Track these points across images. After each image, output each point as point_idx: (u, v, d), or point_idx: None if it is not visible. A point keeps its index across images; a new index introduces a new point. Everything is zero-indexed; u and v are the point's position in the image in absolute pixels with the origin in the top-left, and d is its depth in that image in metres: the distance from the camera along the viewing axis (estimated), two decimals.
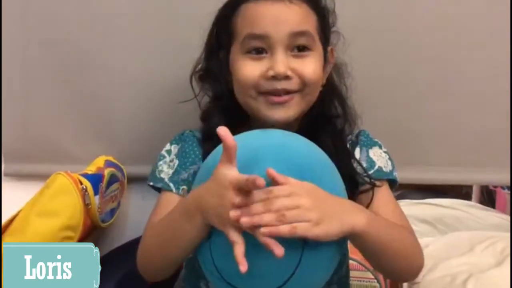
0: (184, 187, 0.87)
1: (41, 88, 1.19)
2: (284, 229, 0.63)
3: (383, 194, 0.86)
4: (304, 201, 0.65)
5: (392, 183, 0.90)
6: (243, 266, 0.63)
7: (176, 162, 0.88)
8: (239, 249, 0.64)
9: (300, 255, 0.67)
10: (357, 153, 0.90)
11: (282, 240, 0.63)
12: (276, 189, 0.65)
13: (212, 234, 0.71)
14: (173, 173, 0.88)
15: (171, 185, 0.87)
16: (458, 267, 1.10)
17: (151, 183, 0.89)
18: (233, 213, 0.64)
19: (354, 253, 1.16)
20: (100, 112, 1.20)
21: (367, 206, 0.84)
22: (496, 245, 1.17)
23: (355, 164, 0.88)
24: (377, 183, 0.86)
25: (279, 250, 0.62)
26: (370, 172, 0.87)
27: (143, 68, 1.17)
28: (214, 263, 0.70)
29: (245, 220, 0.63)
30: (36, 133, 1.21)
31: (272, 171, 0.66)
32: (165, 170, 0.88)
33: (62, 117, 1.21)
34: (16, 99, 1.19)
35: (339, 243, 0.71)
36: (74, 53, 1.17)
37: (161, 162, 0.90)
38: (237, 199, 0.65)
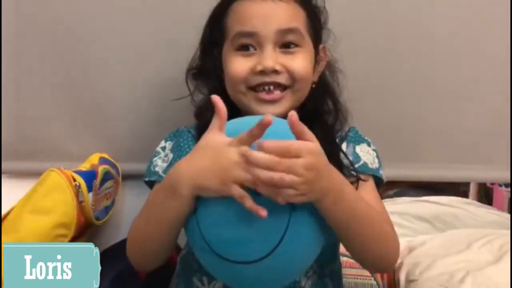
0: None
1: (36, 85, 1.19)
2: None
3: (366, 189, 0.86)
4: (302, 174, 0.65)
5: (378, 181, 0.89)
6: (263, 211, 0.65)
7: (171, 155, 0.89)
8: (250, 201, 0.66)
9: (287, 221, 0.68)
10: (343, 147, 0.90)
11: (270, 206, 0.65)
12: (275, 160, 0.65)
13: (197, 207, 0.71)
14: (167, 166, 0.88)
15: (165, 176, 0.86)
16: (455, 265, 1.09)
17: (146, 179, 0.89)
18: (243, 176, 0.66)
19: None
20: (95, 109, 1.20)
21: None
22: (494, 242, 1.17)
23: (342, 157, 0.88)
24: (362, 176, 0.86)
25: (263, 211, 0.65)
26: (355, 166, 0.87)
27: (138, 66, 1.17)
28: (203, 236, 0.70)
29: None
30: (31, 131, 1.21)
31: (295, 114, 0.67)
32: (160, 164, 0.88)
33: (57, 115, 1.20)
34: (11, 97, 1.18)
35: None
36: (69, 50, 1.17)
37: (155, 158, 0.90)
38: (245, 154, 0.66)
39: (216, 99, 0.73)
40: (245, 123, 0.71)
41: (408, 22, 1.14)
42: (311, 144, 0.68)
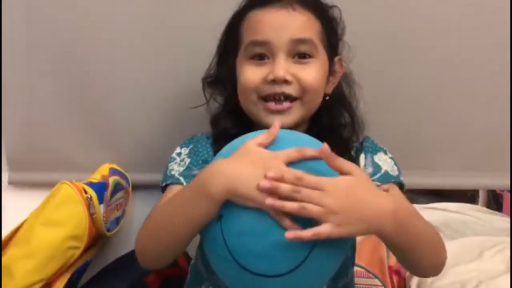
0: None
1: (45, 96, 1.19)
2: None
3: (394, 196, 0.85)
4: (329, 201, 0.65)
5: (400, 187, 0.89)
6: (296, 226, 0.66)
7: (188, 160, 0.88)
8: (286, 218, 0.66)
9: (313, 242, 0.67)
10: (362, 159, 0.89)
11: (299, 222, 0.66)
12: (307, 178, 0.66)
13: (223, 214, 0.70)
14: (184, 170, 0.87)
15: (181, 178, 0.86)
16: (467, 274, 1.09)
17: (163, 184, 0.88)
18: (263, 183, 0.66)
19: (360, 260, 1.16)
20: (105, 119, 1.20)
21: None
22: (505, 251, 1.16)
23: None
24: (384, 186, 0.85)
25: (299, 231, 0.65)
26: (377, 175, 0.86)
27: (148, 76, 1.17)
28: (226, 245, 0.69)
29: (269, 202, 0.65)
30: (41, 141, 1.21)
31: (326, 148, 0.68)
32: (176, 168, 0.88)
33: (66, 125, 1.20)
34: (20, 107, 1.19)
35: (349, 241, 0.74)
36: (77, 60, 1.17)
37: (171, 163, 0.90)
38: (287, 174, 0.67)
39: (277, 123, 0.74)
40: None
41: (421, 32, 1.15)
42: (341, 179, 0.68)
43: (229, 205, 0.69)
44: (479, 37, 1.16)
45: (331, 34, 0.91)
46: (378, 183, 0.84)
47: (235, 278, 0.72)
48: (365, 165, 0.88)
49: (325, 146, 0.69)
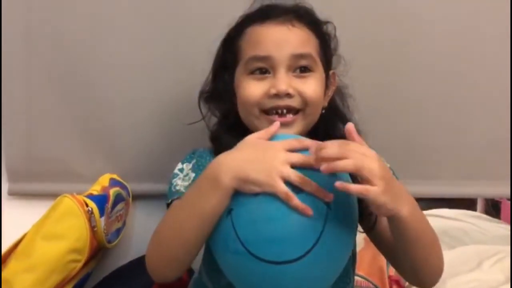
0: None
1: (46, 106, 1.18)
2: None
3: None
4: (376, 166, 0.67)
5: None
6: (308, 210, 0.68)
7: (192, 175, 0.88)
8: (295, 199, 0.68)
9: (324, 220, 0.69)
10: None
11: (308, 204, 0.68)
12: (353, 144, 0.68)
13: (232, 206, 0.71)
14: (189, 185, 0.87)
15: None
16: (466, 284, 1.09)
17: (169, 200, 0.87)
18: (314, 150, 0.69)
19: (360, 269, 1.16)
20: (105, 130, 1.20)
21: (377, 217, 0.86)
22: (504, 260, 1.16)
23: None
24: None
25: (309, 210, 0.68)
26: None
27: (149, 87, 1.17)
28: (238, 236, 0.70)
29: (325, 167, 0.66)
30: (41, 152, 1.20)
31: (352, 127, 0.70)
32: (180, 183, 0.88)
33: (66, 136, 1.20)
34: (21, 118, 1.18)
35: (355, 225, 0.75)
36: (79, 71, 1.17)
37: (175, 179, 0.89)
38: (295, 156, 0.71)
39: (277, 125, 0.78)
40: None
41: (421, 41, 1.15)
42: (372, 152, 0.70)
43: (238, 197, 0.71)
44: (478, 46, 1.17)
45: (327, 49, 0.93)
46: None
47: (250, 271, 0.72)
48: None
49: (351, 124, 0.71)
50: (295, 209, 0.68)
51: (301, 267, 0.69)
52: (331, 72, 0.93)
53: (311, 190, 0.69)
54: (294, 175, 0.70)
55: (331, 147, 0.67)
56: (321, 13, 0.93)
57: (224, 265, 0.76)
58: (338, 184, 0.65)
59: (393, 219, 0.71)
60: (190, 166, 0.90)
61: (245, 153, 0.74)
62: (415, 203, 0.74)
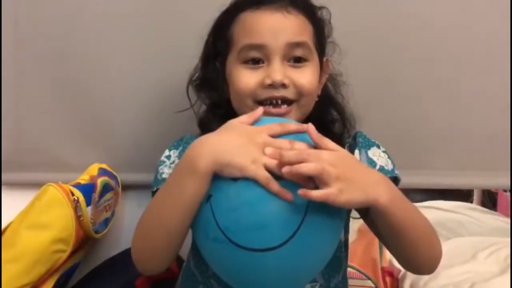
0: None
1: (35, 96, 1.17)
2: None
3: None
4: (331, 169, 0.67)
5: (395, 181, 0.88)
6: (289, 194, 0.67)
7: (178, 162, 0.86)
8: (276, 184, 0.67)
9: (306, 206, 0.68)
10: (356, 155, 0.88)
11: (289, 190, 0.67)
12: (307, 152, 0.68)
13: (212, 193, 0.70)
14: None
15: None
16: (461, 276, 1.08)
17: (154, 188, 0.86)
18: (268, 151, 0.69)
19: (353, 261, 1.15)
20: (95, 119, 1.18)
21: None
22: (500, 252, 1.15)
23: None
24: None
25: (289, 194, 0.67)
26: None
27: (138, 76, 1.16)
28: (218, 224, 0.69)
29: (286, 170, 0.66)
30: (30, 142, 1.19)
31: (312, 128, 0.71)
32: (167, 171, 0.86)
33: (56, 125, 1.19)
34: (10, 107, 1.17)
35: (341, 214, 0.73)
36: (68, 61, 1.16)
37: (161, 167, 0.88)
38: (277, 142, 0.70)
39: (259, 110, 0.77)
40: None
41: (416, 29, 1.13)
42: (335, 152, 0.70)
43: (218, 183, 0.70)
44: (474, 34, 1.15)
45: (321, 35, 0.90)
46: None
47: (232, 260, 0.70)
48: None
49: (311, 125, 0.71)
50: (275, 194, 0.67)
51: (283, 254, 0.67)
52: (325, 59, 0.91)
53: (290, 176, 0.67)
54: (274, 161, 0.68)
55: (291, 152, 0.68)
56: None
57: (205, 253, 0.75)
58: (300, 192, 0.65)
59: (373, 210, 0.70)
60: (177, 153, 0.89)
61: (226, 137, 0.72)
62: (397, 191, 0.73)
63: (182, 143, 0.90)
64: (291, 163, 0.67)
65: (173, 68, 1.10)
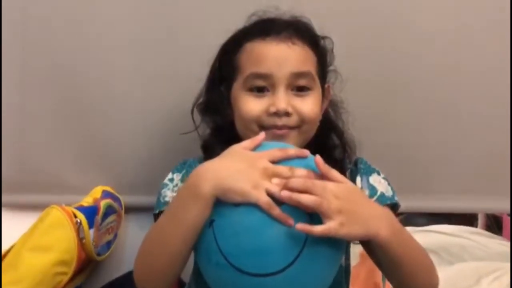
0: None
1: (40, 117, 1.18)
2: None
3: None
4: (335, 201, 0.68)
5: (395, 207, 0.90)
6: (290, 220, 0.68)
7: (181, 185, 0.87)
8: (277, 209, 0.68)
9: (306, 236, 0.68)
10: (358, 182, 0.90)
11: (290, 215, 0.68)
12: (312, 181, 0.70)
13: (214, 218, 0.71)
14: None
15: None
16: None
17: (156, 211, 0.87)
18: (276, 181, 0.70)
19: (355, 285, 1.14)
20: (98, 142, 1.19)
21: None
22: (503, 278, 1.14)
23: None
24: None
25: (290, 220, 0.68)
26: (373, 198, 0.87)
27: (142, 99, 1.17)
28: (220, 249, 0.70)
29: (285, 194, 0.68)
30: (34, 163, 1.20)
31: (320, 159, 0.72)
32: (169, 195, 0.88)
33: (60, 147, 1.19)
34: (14, 129, 1.18)
35: (342, 241, 0.74)
36: (72, 82, 1.16)
37: (164, 190, 0.90)
38: (277, 168, 0.72)
39: (261, 136, 0.79)
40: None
41: (417, 53, 1.15)
42: (340, 184, 0.72)
43: (220, 208, 0.70)
44: (477, 60, 1.16)
45: (324, 64, 0.94)
46: None
47: (232, 284, 0.71)
48: (361, 188, 0.89)
49: (318, 157, 0.72)
50: (277, 220, 0.68)
51: (285, 279, 0.68)
52: (326, 85, 0.94)
53: (290, 202, 0.68)
54: (275, 187, 0.69)
55: (298, 180, 0.69)
56: (318, 26, 0.93)
57: (207, 276, 0.76)
58: (299, 226, 0.66)
59: (373, 242, 0.72)
60: (180, 176, 0.90)
61: (228, 162, 0.73)
62: (397, 225, 0.75)
63: (185, 166, 0.92)
64: (295, 190, 0.68)
65: (177, 91, 1.12)
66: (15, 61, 1.16)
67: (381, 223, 0.71)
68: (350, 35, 1.11)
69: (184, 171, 0.91)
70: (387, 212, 0.77)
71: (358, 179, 0.90)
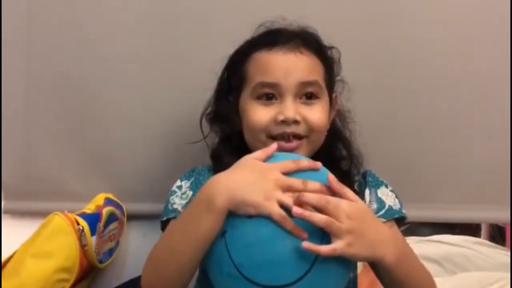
0: None
1: (42, 125, 1.19)
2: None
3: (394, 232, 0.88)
4: (345, 220, 0.69)
5: (402, 220, 0.91)
6: (303, 233, 0.68)
7: (190, 193, 0.89)
8: (290, 222, 0.69)
9: (319, 244, 0.69)
10: (366, 194, 0.91)
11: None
12: (327, 199, 0.70)
13: (226, 229, 0.71)
14: (187, 203, 0.87)
15: None
16: None
17: (164, 218, 0.87)
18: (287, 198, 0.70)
19: None
20: (101, 149, 1.20)
21: None
22: None
23: None
24: (388, 224, 0.87)
25: (304, 233, 0.68)
26: (382, 212, 0.88)
27: (147, 106, 1.17)
28: (232, 260, 0.70)
29: (297, 211, 0.68)
30: (37, 170, 1.20)
31: (333, 178, 0.73)
32: (178, 202, 0.88)
33: (63, 154, 1.20)
34: (17, 136, 1.19)
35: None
36: (75, 90, 1.17)
37: (173, 197, 0.90)
38: (290, 180, 0.72)
39: (274, 146, 0.79)
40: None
41: (421, 64, 1.16)
42: (353, 203, 0.72)
43: (232, 219, 0.71)
44: (478, 68, 1.16)
45: (331, 74, 0.95)
46: (384, 219, 0.86)
47: None
48: (369, 201, 0.90)
49: (331, 175, 0.73)
50: (290, 232, 0.69)
51: None
52: (334, 95, 0.95)
53: (303, 219, 0.69)
54: (288, 198, 0.70)
55: (312, 195, 0.70)
56: (325, 36, 0.94)
57: (218, 287, 0.76)
58: (305, 245, 0.67)
59: (376, 264, 0.73)
60: (189, 184, 0.91)
61: (241, 174, 0.74)
62: (404, 248, 0.77)
63: (194, 174, 0.93)
64: (308, 204, 0.69)
65: (183, 99, 1.13)
66: (19, 69, 1.17)
67: (388, 247, 0.72)
68: (356, 45, 1.12)
69: (192, 179, 0.91)
70: (396, 235, 0.79)
71: (367, 191, 0.91)
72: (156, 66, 1.15)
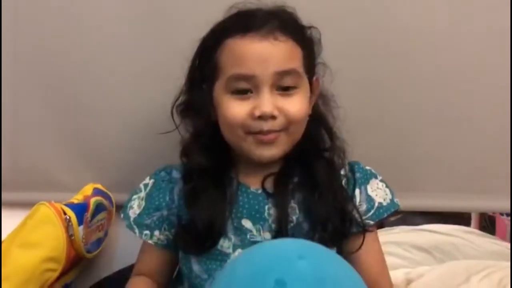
0: (147, 232, 0.90)
1: (30, 115, 1.19)
2: None
3: (372, 242, 0.89)
4: None
5: (394, 209, 0.91)
6: None
7: (143, 203, 0.90)
8: None
9: None
10: (357, 194, 0.89)
11: None
12: None
13: None
14: (139, 215, 0.90)
15: (135, 227, 0.90)
16: None
17: (122, 215, 0.89)
18: None
19: None
20: (89, 139, 1.20)
21: (356, 250, 0.86)
22: (493, 275, 1.13)
23: (351, 209, 0.88)
24: (370, 228, 0.87)
25: None
26: (370, 213, 0.88)
27: (135, 96, 1.17)
28: None
29: None
30: (25, 161, 1.21)
31: None
32: (134, 208, 0.90)
33: (51, 145, 1.20)
34: (5, 127, 1.19)
35: None
36: (63, 83, 1.17)
37: (135, 196, 0.91)
38: None
39: None
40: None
41: (410, 52, 1.14)
42: None
43: None
44: (473, 53, 1.15)
45: (311, 56, 0.88)
46: (371, 222, 0.86)
47: None
48: (359, 202, 0.89)
49: None
50: None
51: None
52: (314, 78, 0.89)
53: None
54: None
55: None
56: (306, 17, 0.89)
57: None
58: None
59: None
60: (148, 188, 0.91)
61: None
62: None
63: (158, 177, 0.93)
64: None
65: (164, 89, 1.09)
66: (6, 60, 1.16)
67: None
68: (340, 25, 1.09)
69: (152, 180, 0.92)
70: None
71: (357, 191, 0.89)
72: (142, 55, 1.14)
